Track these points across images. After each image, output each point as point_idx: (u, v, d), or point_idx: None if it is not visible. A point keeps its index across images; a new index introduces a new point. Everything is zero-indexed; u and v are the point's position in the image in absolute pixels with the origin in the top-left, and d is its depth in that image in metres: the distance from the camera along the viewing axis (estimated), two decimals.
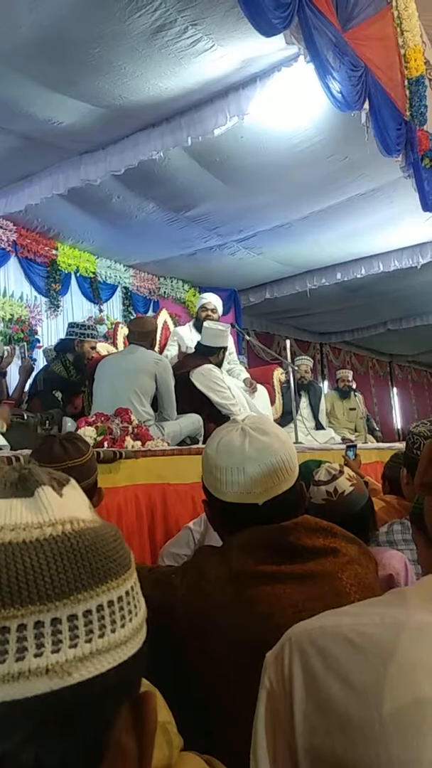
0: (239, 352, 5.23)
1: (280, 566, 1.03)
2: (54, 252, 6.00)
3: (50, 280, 5.97)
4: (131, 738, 0.35)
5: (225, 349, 3.92)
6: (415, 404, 12.77)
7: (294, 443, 3.83)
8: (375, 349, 11.70)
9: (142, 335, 3.38)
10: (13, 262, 5.68)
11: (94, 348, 4.08)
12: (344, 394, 6.37)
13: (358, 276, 6.80)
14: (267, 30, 2.78)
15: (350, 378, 6.53)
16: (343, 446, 3.63)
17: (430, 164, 4.20)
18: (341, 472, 1.59)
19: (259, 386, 4.23)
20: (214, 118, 3.86)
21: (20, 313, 5.64)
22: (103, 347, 4.23)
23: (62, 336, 4.45)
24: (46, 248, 5.92)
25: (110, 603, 0.34)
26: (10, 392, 4.11)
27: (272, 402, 4.56)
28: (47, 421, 2.81)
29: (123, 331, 4.35)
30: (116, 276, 6.75)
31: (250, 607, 0.99)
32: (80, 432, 2.46)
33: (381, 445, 5.27)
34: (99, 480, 1.61)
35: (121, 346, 4.23)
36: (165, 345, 4.45)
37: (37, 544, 0.33)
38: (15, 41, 3.22)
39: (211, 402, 3.62)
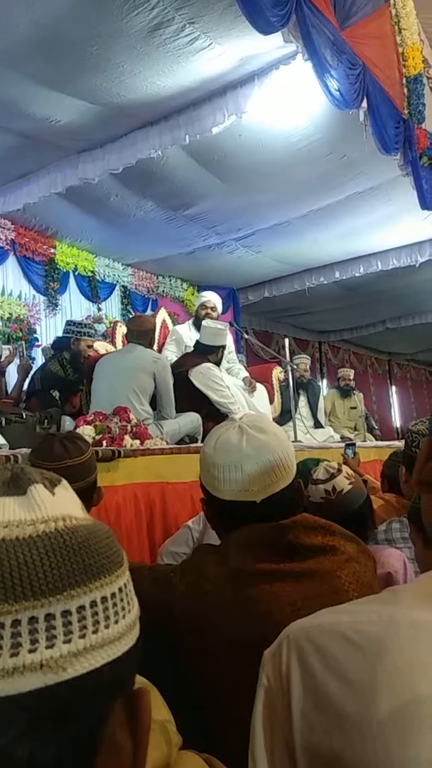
0: (238, 351, 5.23)
1: (279, 564, 1.03)
2: (52, 251, 5.99)
3: (49, 279, 5.96)
4: (126, 734, 0.36)
5: (224, 347, 3.92)
6: (414, 402, 12.78)
7: (293, 442, 3.84)
8: (374, 348, 11.70)
9: (141, 334, 3.38)
10: (11, 261, 5.68)
11: (90, 346, 4.07)
12: (345, 392, 6.37)
13: (357, 274, 6.80)
14: (265, 28, 2.78)
15: (351, 377, 6.54)
16: (342, 445, 3.63)
17: (428, 162, 4.20)
18: (339, 470, 1.59)
19: (258, 385, 4.23)
20: (212, 117, 3.86)
21: (19, 312, 5.63)
22: (101, 346, 4.22)
23: (60, 335, 4.45)
24: (45, 247, 5.91)
25: (103, 599, 0.35)
26: (9, 391, 4.11)
27: (271, 401, 4.56)
28: (46, 420, 2.81)
29: (121, 329, 4.34)
30: (115, 275, 6.75)
31: (248, 606, 0.99)
32: (79, 431, 2.46)
33: (380, 443, 5.27)
34: (98, 479, 1.61)
35: (119, 344, 4.22)
36: (164, 343, 4.45)
37: (30, 540, 0.33)
38: (12, 40, 3.21)
39: (209, 401, 3.62)
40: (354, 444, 3.49)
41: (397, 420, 11.89)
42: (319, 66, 3.11)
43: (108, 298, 6.66)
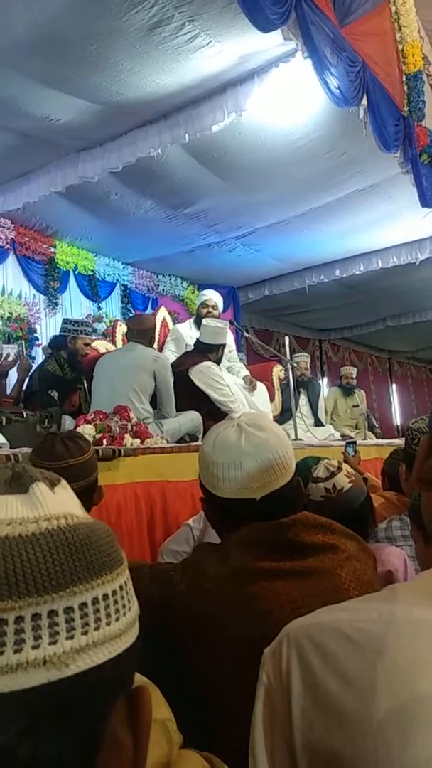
0: (238, 349, 5.23)
1: (279, 563, 1.03)
2: (52, 250, 5.99)
3: (49, 278, 5.96)
4: (127, 731, 0.36)
5: (224, 346, 3.92)
6: (414, 400, 12.78)
7: (293, 440, 3.85)
8: (374, 346, 11.70)
9: (141, 333, 3.38)
10: (11, 260, 5.67)
11: (88, 345, 4.06)
12: (347, 391, 6.38)
13: (357, 272, 6.79)
14: (264, 26, 2.77)
15: (354, 375, 6.54)
16: (343, 443, 3.63)
17: (428, 160, 4.19)
18: (340, 468, 1.59)
19: (258, 383, 4.23)
20: (212, 115, 3.85)
21: (19, 311, 5.63)
22: (101, 345, 4.22)
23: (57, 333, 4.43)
24: (45, 246, 5.91)
25: (105, 596, 0.35)
26: (9, 391, 4.11)
27: (271, 399, 4.56)
28: (46, 419, 2.81)
29: (122, 328, 4.34)
30: (115, 273, 6.74)
31: (249, 604, 0.99)
32: (79, 430, 2.46)
33: (380, 441, 5.27)
34: (98, 478, 1.62)
35: (120, 343, 4.22)
36: (164, 342, 4.45)
37: (33, 537, 0.33)
38: (11, 39, 3.21)
39: (210, 399, 3.62)
40: (354, 442, 3.49)
41: (397, 418, 11.89)
42: (319, 63, 3.10)
43: (108, 297, 6.66)
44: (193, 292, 7.42)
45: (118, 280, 6.79)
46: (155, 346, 3.68)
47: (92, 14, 3.07)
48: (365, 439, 5.37)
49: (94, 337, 4.45)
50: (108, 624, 0.34)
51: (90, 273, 6.42)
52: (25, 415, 2.79)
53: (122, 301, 6.85)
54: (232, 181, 4.79)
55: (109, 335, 4.65)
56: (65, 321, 4.27)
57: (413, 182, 4.10)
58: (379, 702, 0.47)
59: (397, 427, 11.09)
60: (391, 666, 0.49)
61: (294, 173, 4.67)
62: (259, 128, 4.15)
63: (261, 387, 4.26)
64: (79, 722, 0.32)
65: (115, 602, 0.36)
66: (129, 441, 2.54)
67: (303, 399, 5.33)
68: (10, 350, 4.18)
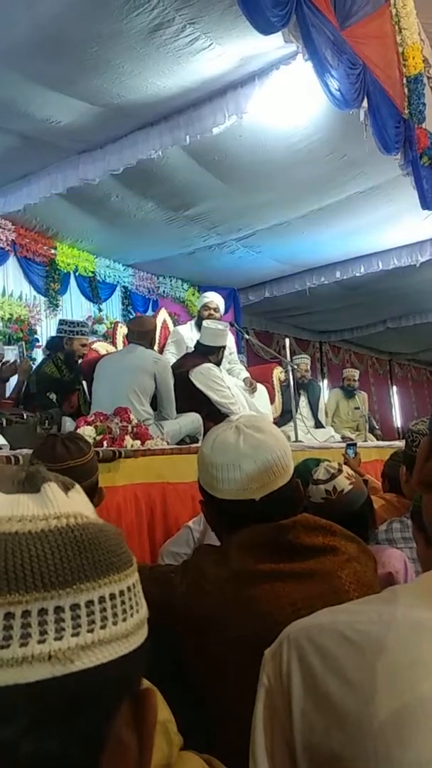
0: (239, 351, 5.23)
1: (279, 565, 1.03)
2: (53, 251, 5.99)
3: (49, 280, 5.96)
4: (132, 733, 0.36)
5: (224, 348, 3.92)
6: (415, 402, 12.77)
7: (294, 442, 3.85)
8: (374, 348, 11.70)
9: (142, 334, 3.38)
10: (12, 262, 5.68)
11: (84, 345, 4.06)
12: (349, 393, 6.38)
13: (358, 274, 6.80)
14: (265, 28, 2.78)
15: (356, 377, 6.55)
16: (343, 445, 3.63)
17: (428, 162, 4.20)
18: (340, 470, 1.59)
19: (258, 385, 4.23)
20: (213, 117, 3.86)
21: (19, 312, 5.63)
22: (102, 347, 4.22)
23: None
24: (45, 248, 5.91)
25: (112, 596, 0.35)
26: (9, 393, 4.10)
27: (272, 401, 4.56)
28: (47, 421, 2.81)
29: (122, 330, 4.34)
30: (115, 275, 6.74)
31: (249, 606, 0.99)
32: (79, 431, 2.46)
33: (381, 443, 5.27)
34: (99, 479, 1.61)
35: (120, 345, 4.22)
36: (164, 344, 4.45)
37: (42, 534, 0.34)
38: (12, 41, 3.21)
39: (210, 401, 3.62)
40: (355, 444, 3.49)
41: (398, 420, 11.88)
42: (320, 66, 3.11)
43: (109, 298, 6.66)
44: (193, 294, 7.42)
45: (118, 282, 6.79)
46: (156, 347, 3.68)
47: (93, 17, 3.08)
48: (365, 441, 5.37)
49: (93, 339, 4.46)
50: (115, 624, 0.35)
51: (90, 275, 6.42)
52: (25, 417, 2.79)
53: (123, 303, 6.85)
54: (232, 183, 4.80)
55: (109, 337, 4.65)
56: (61, 322, 4.27)
57: (414, 184, 4.10)
58: (379, 703, 0.47)
59: (398, 429, 11.08)
60: (392, 667, 0.49)
61: (295, 175, 4.67)
62: (259, 130, 4.15)
63: (261, 389, 4.26)
64: (83, 720, 0.32)
65: (123, 603, 0.36)
66: (129, 442, 2.54)
67: (303, 401, 5.33)
68: (11, 353, 4.17)
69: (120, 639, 0.35)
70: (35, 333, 5.70)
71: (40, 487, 0.37)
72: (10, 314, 5.54)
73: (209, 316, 4.26)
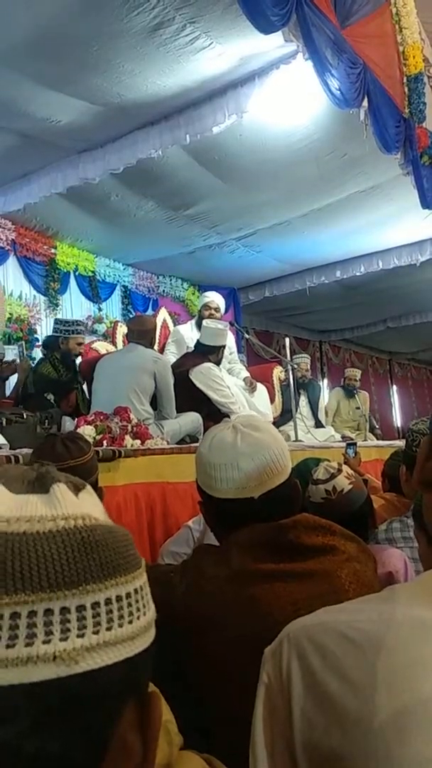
0: (239, 351, 5.23)
1: (279, 564, 1.03)
2: (53, 251, 5.99)
3: (49, 279, 5.96)
4: (136, 736, 0.36)
5: (224, 347, 3.92)
6: (415, 402, 12.77)
7: (294, 441, 3.85)
8: (374, 347, 11.69)
9: (141, 334, 3.38)
10: (12, 261, 5.67)
11: (81, 344, 4.05)
12: (350, 392, 6.39)
13: (358, 274, 6.80)
14: (265, 27, 2.78)
15: (358, 377, 6.56)
16: (343, 444, 3.63)
17: (429, 161, 4.20)
18: (340, 470, 1.59)
19: (258, 385, 4.23)
20: (213, 116, 3.86)
21: (19, 312, 5.63)
22: (102, 346, 4.22)
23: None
24: (45, 247, 5.91)
25: (118, 598, 0.35)
26: (9, 392, 4.10)
27: (272, 400, 4.56)
28: (47, 421, 2.81)
29: (122, 329, 4.34)
30: (115, 275, 6.74)
31: (249, 606, 0.99)
32: (79, 431, 2.46)
33: (381, 443, 5.27)
34: (98, 479, 1.61)
35: (120, 344, 4.22)
36: (164, 343, 4.45)
37: (49, 534, 0.34)
38: (12, 40, 3.21)
39: (210, 400, 3.62)
40: (355, 443, 3.49)
41: (398, 419, 11.88)
42: (320, 65, 3.11)
43: (109, 298, 6.66)
44: (193, 294, 7.42)
45: (118, 281, 6.79)
46: (156, 347, 3.68)
47: (93, 16, 3.08)
48: (365, 440, 5.37)
49: (93, 338, 4.45)
50: (120, 626, 0.35)
51: (90, 274, 6.42)
52: (25, 416, 2.79)
53: (123, 303, 6.85)
54: (232, 182, 4.80)
55: (109, 336, 4.65)
56: (56, 321, 4.27)
57: (414, 184, 4.10)
58: (379, 703, 0.47)
59: (398, 429, 11.08)
60: (393, 667, 0.49)
61: (295, 175, 4.67)
62: (259, 130, 4.15)
63: (261, 388, 4.26)
64: (87, 721, 0.32)
65: (129, 605, 0.36)
66: (129, 442, 2.54)
67: (303, 400, 5.33)
68: (10, 353, 4.17)
69: (126, 641, 0.35)
70: (35, 332, 5.70)
71: (49, 487, 0.37)
72: (10, 314, 5.54)
73: (210, 316, 4.26)
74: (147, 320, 3.66)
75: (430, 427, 0.69)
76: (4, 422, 2.59)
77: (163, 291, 7.25)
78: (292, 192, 5.00)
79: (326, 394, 6.64)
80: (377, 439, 6.01)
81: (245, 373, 4.34)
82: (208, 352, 3.78)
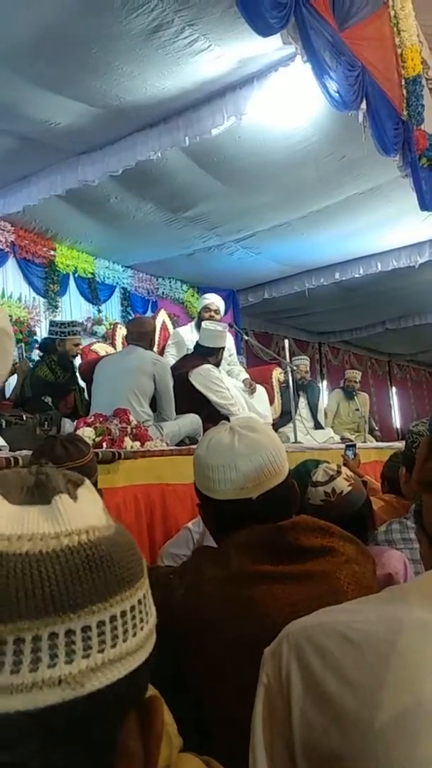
0: (238, 352, 5.23)
1: (278, 566, 1.03)
2: (52, 253, 5.99)
3: (48, 281, 5.96)
4: (137, 740, 0.36)
5: (223, 349, 3.93)
6: (414, 403, 12.77)
7: (293, 443, 3.84)
8: (374, 349, 11.70)
9: (141, 335, 3.39)
10: (11, 263, 5.67)
11: (77, 345, 4.05)
12: (350, 394, 6.40)
13: (357, 275, 6.80)
14: (264, 30, 2.78)
15: (358, 379, 6.57)
16: (342, 446, 3.63)
17: (427, 163, 4.21)
18: (339, 472, 1.59)
19: (258, 386, 4.23)
20: (212, 118, 3.86)
21: (19, 314, 5.63)
22: (101, 348, 4.22)
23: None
24: (45, 249, 5.91)
25: (123, 613, 0.35)
26: (8, 394, 4.10)
27: (271, 402, 4.56)
28: (46, 422, 2.81)
29: (121, 331, 4.35)
30: (115, 276, 6.74)
31: (248, 607, 0.99)
32: (79, 433, 2.46)
33: (380, 444, 5.27)
34: (98, 481, 1.61)
35: (119, 346, 4.23)
36: (164, 345, 4.45)
37: (53, 555, 0.33)
38: (11, 42, 3.22)
39: (209, 402, 3.62)
40: (354, 445, 3.49)
41: (397, 421, 11.88)
42: (318, 68, 3.11)
43: (108, 300, 6.66)
44: (193, 295, 7.42)
45: (117, 283, 6.79)
46: (155, 349, 3.68)
47: (93, 18, 3.08)
48: (365, 442, 5.37)
49: (93, 340, 4.45)
50: (125, 641, 0.34)
51: (90, 276, 6.42)
52: (24, 418, 2.79)
53: (122, 304, 6.85)
54: (232, 184, 4.80)
55: (108, 338, 4.65)
56: (52, 323, 4.26)
57: (412, 186, 4.11)
58: (380, 703, 0.47)
59: (397, 430, 11.08)
60: (393, 668, 0.49)
61: (293, 177, 4.68)
62: (258, 132, 4.16)
63: (260, 390, 4.26)
64: (92, 737, 0.32)
65: (133, 617, 0.35)
66: (129, 444, 2.54)
67: (302, 402, 5.33)
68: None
69: (130, 654, 0.34)
70: (35, 334, 5.69)
71: (50, 498, 0.36)
72: (9, 316, 5.54)
73: (210, 318, 4.27)
74: (146, 322, 3.66)
75: (429, 428, 0.69)
76: (3, 424, 2.59)
77: (163, 293, 7.25)
78: (291, 194, 5.00)
79: (325, 395, 6.65)
80: (376, 440, 6.01)
81: (244, 375, 4.34)
82: (207, 354, 3.78)
